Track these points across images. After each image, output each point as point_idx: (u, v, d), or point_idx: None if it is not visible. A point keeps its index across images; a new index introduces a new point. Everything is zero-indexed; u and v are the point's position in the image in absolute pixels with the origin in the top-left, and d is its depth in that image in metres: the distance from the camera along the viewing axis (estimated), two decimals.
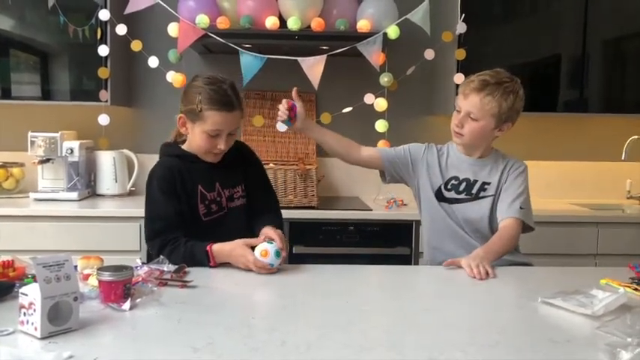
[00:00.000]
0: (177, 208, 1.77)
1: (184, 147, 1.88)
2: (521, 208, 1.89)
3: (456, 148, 2.03)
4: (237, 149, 1.95)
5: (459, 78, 2.82)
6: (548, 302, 1.38)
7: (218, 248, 1.67)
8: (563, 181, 3.33)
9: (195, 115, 1.76)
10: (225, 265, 1.68)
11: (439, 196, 1.99)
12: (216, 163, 1.86)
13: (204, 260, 1.66)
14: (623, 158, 3.11)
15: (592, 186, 3.37)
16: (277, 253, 1.63)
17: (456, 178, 1.99)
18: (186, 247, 1.69)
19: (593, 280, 1.57)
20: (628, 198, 3.29)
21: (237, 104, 1.79)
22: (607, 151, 3.32)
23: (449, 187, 1.99)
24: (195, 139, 1.80)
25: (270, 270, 1.63)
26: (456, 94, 2.79)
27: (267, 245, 1.63)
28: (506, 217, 1.89)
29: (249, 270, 1.64)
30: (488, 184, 1.97)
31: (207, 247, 1.67)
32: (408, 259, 2.71)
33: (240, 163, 1.94)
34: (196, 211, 1.81)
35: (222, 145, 1.78)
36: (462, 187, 1.98)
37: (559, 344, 1.14)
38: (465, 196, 1.97)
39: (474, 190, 1.97)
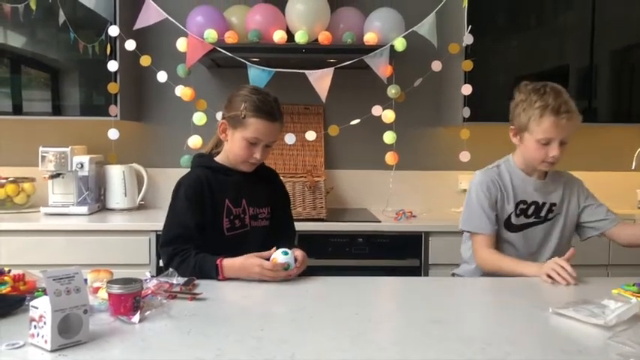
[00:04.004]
0: (199, 220, 1.78)
1: (218, 159, 1.91)
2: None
3: (515, 166, 1.99)
4: (269, 173, 2.01)
5: (466, 89, 2.83)
6: (560, 313, 1.37)
7: (228, 263, 1.67)
8: None
9: (237, 121, 1.80)
10: (235, 277, 1.68)
11: (508, 224, 1.97)
12: (245, 181, 1.88)
13: (213, 273, 1.66)
14: (633, 168, 3.09)
15: (602, 196, 3.29)
16: (285, 253, 1.67)
17: (524, 202, 1.97)
18: (196, 259, 1.69)
19: (604, 290, 1.56)
20: (639, 208, 3.26)
21: (279, 117, 1.85)
22: (617, 160, 3.30)
23: (517, 212, 1.97)
24: (234, 146, 1.84)
25: (288, 273, 1.66)
26: (464, 105, 2.84)
27: (279, 251, 1.67)
28: (618, 223, 2.05)
29: (262, 281, 1.64)
30: (555, 204, 1.98)
31: (218, 261, 1.67)
32: (418, 270, 2.70)
33: (270, 188, 1.97)
34: (220, 224, 1.82)
35: (258, 155, 1.83)
36: (530, 211, 1.97)
37: (571, 355, 1.13)
38: (535, 219, 1.97)
39: (543, 213, 1.97)
